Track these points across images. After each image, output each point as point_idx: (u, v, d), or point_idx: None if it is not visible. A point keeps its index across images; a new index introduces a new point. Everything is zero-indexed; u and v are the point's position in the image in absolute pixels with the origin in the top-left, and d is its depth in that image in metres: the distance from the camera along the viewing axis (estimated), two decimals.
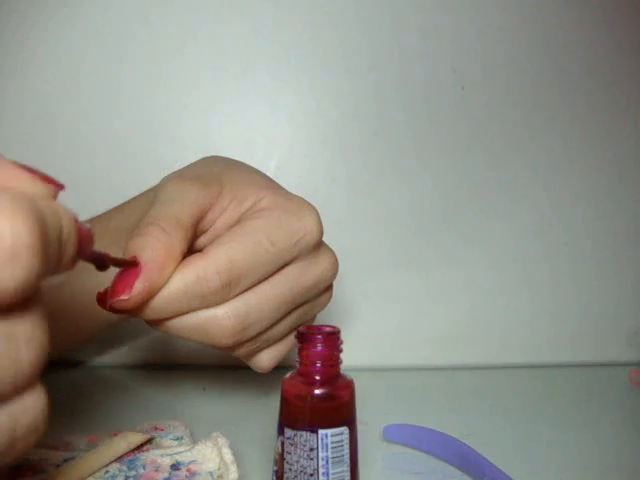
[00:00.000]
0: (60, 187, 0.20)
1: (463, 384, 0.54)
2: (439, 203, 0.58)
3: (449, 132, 0.57)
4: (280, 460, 0.29)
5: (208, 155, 0.39)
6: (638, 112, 0.59)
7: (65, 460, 0.34)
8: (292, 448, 0.28)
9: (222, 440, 0.35)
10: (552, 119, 0.58)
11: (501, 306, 0.58)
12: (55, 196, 0.20)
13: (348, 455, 0.29)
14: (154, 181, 0.38)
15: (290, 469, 0.28)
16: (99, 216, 0.43)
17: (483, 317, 0.58)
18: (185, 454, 0.35)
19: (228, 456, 0.34)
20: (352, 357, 0.30)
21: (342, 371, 0.30)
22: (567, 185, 0.59)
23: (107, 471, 0.32)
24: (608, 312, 0.59)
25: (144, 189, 0.41)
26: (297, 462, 0.28)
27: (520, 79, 0.58)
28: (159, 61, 0.54)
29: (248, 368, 0.38)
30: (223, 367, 0.54)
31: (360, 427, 0.30)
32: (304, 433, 0.28)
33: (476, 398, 0.51)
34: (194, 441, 0.37)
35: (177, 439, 0.37)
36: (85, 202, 0.46)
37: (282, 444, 0.29)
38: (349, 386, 0.30)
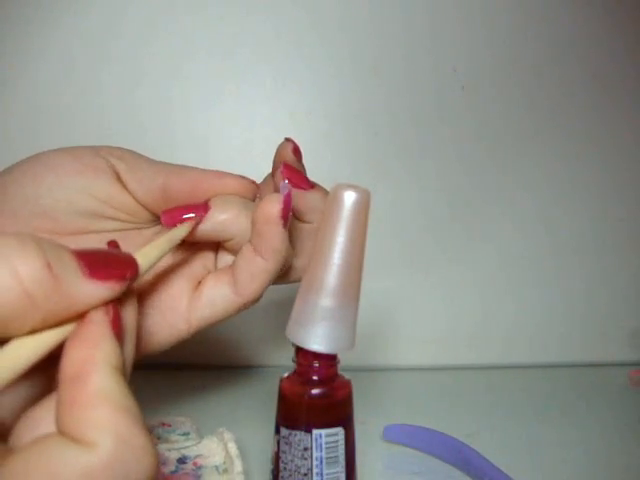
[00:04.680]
0: None
1: (463, 384, 0.54)
2: (442, 203, 0.57)
3: (449, 132, 0.57)
4: (276, 459, 0.29)
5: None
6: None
7: None
8: (287, 447, 0.28)
9: (228, 435, 0.35)
10: (552, 119, 0.58)
11: (500, 307, 0.58)
12: None
13: (343, 456, 0.28)
14: None
15: (285, 468, 0.28)
16: None
17: (483, 318, 0.58)
18: (191, 448, 0.35)
19: (234, 450, 0.34)
20: (352, 357, 0.30)
21: (340, 371, 0.30)
22: (567, 186, 0.59)
23: None
24: (608, 312, 0.59)
25: None
26: (291, 461, 0.28)
27: (520, 79, 0.57)
28: (159, 61, 0.54)
29: (248, 368, 0.38)
30: (223, 367, 0.54)
31: (360, 427, 0.30)
32: (298, 432, 0.28)
33: (476, 398, 0.51)
34: (200, 436, 0.37)
35: (184, 434, 0.38)
36: None
37: (278, 443, 0.29)
38: (346, 386, 0.30)
